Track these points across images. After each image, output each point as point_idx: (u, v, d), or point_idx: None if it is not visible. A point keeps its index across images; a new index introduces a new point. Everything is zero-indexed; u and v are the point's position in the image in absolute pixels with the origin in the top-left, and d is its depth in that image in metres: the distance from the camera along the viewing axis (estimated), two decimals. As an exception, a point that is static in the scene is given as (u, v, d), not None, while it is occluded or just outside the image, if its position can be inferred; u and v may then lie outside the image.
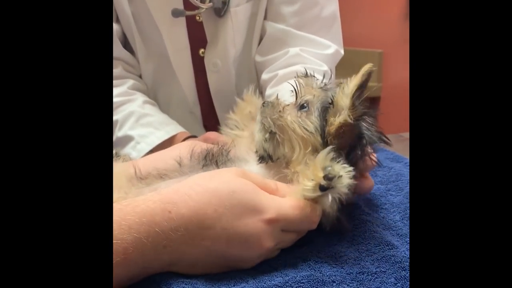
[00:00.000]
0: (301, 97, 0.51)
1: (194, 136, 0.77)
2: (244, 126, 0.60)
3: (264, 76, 0.84)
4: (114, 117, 0.79)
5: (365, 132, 0.47)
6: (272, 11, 0.85)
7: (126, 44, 0.86)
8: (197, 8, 0.78)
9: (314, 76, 0.54)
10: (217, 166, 0.50)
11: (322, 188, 0.42)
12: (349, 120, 0.45)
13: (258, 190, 0.43)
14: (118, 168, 0.50)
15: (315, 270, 0.42)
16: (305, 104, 0.50)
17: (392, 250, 0.45)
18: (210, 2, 0.79)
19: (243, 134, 0.59)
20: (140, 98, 0.84)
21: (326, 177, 0.42)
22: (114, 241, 0.37)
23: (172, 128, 0.78)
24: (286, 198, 0.44)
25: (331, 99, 0.47)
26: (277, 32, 0.84)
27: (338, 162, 0.43)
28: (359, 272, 0.42)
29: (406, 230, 0.50)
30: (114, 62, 0.83)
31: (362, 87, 0.46)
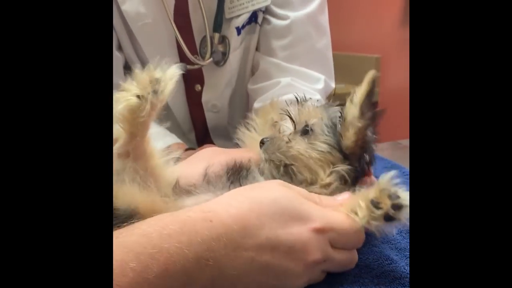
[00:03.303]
0: (299, 122, 0.50)
1: (192, 148, 0.77)
2: (262, 131, 0.58)
3: (256, 105, 0.83)
4: None
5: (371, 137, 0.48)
6: (263, 44, 0.86)
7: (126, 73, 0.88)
8: (197, 64, 0.79)
9: (310, 98, 0.53)
10: (240, 184, 0.47)
11: (388, 218, 0.39)
12: (362, 130, 0.45)
13: (302, 199, 0.42)
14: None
15: (313, 288, 0.41)
16: (307, 128, 0.49)
17: (391, 265, 0.45)
18: (210, 57, 0.79)
19: (258, 138, 0.57)
20: None
21: (394, 206, 0.38)
22: (154, 251, 0.35)
23: (170, 139, 0.78)
24: (333, 212, 0.42)
25: (341, 113, 0.47)
26: (268, 64, 0.85)
27: (402, 188, 0.39)
28: (358, 290, 0.41)
29: (404, 243, 0.49)
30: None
31: (370, 94, 0.45)
